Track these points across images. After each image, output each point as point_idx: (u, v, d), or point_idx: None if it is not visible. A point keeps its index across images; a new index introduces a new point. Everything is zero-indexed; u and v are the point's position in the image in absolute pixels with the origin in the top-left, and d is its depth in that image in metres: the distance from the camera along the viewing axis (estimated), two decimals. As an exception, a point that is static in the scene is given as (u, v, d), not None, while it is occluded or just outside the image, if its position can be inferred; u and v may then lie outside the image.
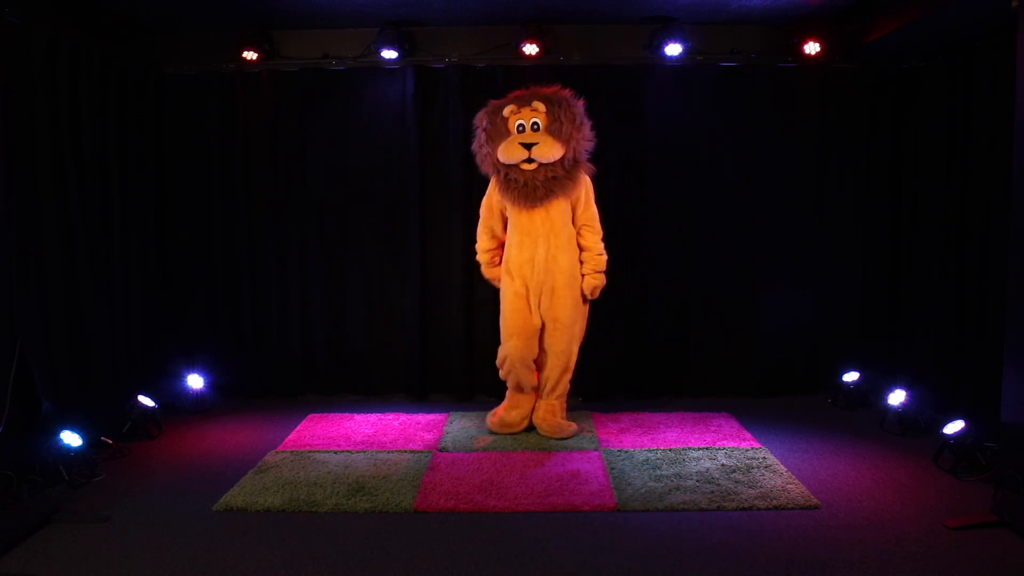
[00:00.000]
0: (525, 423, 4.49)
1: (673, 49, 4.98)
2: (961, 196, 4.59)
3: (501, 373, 4.56)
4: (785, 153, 5.26)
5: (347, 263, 5.37)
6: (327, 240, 5.35)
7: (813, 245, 5.33)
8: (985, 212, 4.35)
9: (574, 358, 4.50)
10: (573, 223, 4.42)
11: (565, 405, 4.59)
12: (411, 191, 5.24)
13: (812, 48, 4.96)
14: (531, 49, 4.99)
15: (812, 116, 5.24)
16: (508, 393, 4.58)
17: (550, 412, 4.48)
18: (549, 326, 4.39)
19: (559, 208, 4.33)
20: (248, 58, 5.08)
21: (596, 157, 5.17)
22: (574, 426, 4.49)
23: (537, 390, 4.55)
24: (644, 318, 5.33)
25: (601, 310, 5.28)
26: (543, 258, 4.32)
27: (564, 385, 4.52)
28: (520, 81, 4.94)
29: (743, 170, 5.27)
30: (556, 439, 4.37)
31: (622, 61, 5.20)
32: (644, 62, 5.17)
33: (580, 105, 4.34)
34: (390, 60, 5.11)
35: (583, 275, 4.43)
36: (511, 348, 4.42)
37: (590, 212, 4.45)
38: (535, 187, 4.23)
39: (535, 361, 4.48)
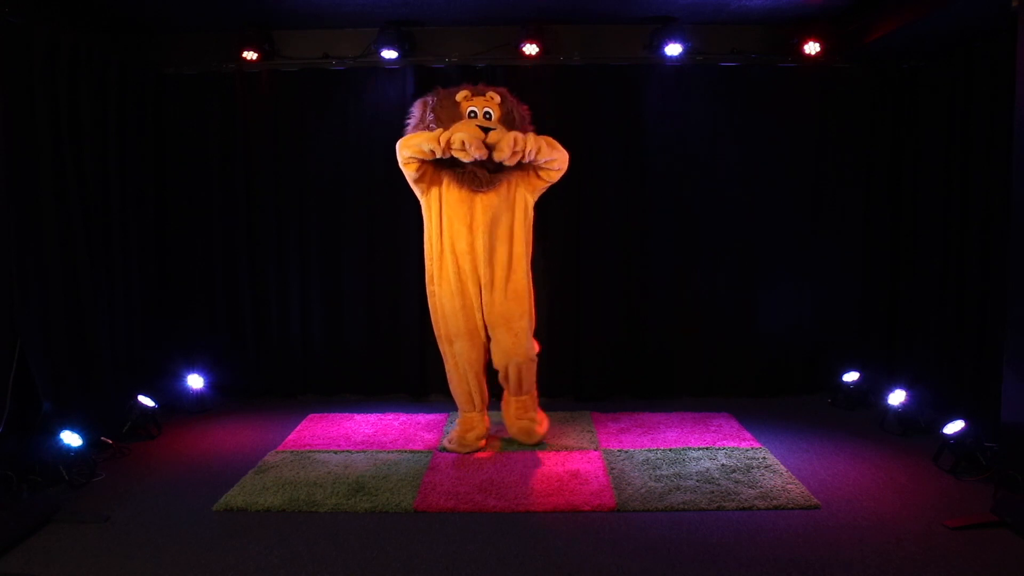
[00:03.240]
0: (483, 442, 4.27)
1: (673, 49, 4.98)
2: (961, 196, 4.59)
3: (451, 387, 4.34)
4: (785, 153, 5.26)
5: (347, 263, 5.37)
6: (327, 240, 5.35)
7: (813, 245, 5.32)
8: (985, 212, 4.35)
9: (533, 348, 4.24)
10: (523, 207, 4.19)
11: (536, 401, 4.41)
12: (411, 191, 5.22)
13: (812, 48, 4.96)
14: (531, 49, 4.98)
15: (812, 116, 5.24)
16: (460, 415, 4.36)
17: (522, 408, 4.30)
18: (491, 321, 4.17)
19: (502, 197, 4.12)
20: (248, 58, 5.08)
21: (596, 157, 5.21)
22: (545, 425, 4.36)
23: (486, 405, 4.35)
24: (644, 318, 5.33)
25: (602, 310, 5.30)
26: (482, 248, 4.09)
27: (531, 378, 4.28)
28: (520, 81, 4.96)
29: (743, 170, 5.26)
30: (531, 443, 4.26)
31: (622, 61, 5.19)
32: (644, 62, 5.17)
33: (526, 109, 4.22)
34: (390, 60, 5.11)
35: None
36: (459, 352, 4.22)
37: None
38: (481, 176, 4.03)
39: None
